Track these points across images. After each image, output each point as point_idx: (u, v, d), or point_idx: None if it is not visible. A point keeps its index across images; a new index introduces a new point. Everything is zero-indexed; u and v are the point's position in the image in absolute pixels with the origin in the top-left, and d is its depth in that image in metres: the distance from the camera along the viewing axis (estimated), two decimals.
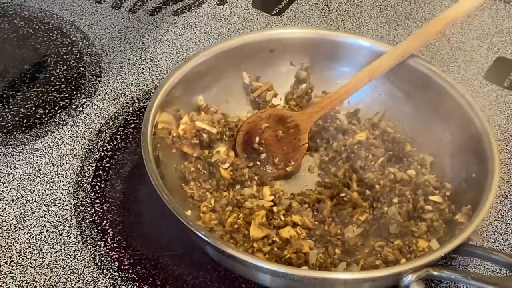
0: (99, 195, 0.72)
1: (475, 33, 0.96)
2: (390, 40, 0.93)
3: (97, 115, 0.81)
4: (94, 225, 0.69)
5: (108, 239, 0.68)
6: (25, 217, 0.70)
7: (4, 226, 0.69)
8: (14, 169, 0.75)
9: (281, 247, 0.64)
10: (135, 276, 0.65)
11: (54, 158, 0.76)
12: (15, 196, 0.72)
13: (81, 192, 0.73)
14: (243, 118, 0.77)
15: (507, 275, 0.59)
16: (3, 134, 0.78)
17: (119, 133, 0.79)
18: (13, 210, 0.71)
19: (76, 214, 0.71)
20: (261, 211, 0.66)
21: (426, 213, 0.68)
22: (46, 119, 0.80)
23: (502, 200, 0.74)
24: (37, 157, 0.76)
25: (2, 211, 0.70)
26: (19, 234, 0.68)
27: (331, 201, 0.70)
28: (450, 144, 0.73)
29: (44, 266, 0.66)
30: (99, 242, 0.68)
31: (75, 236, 0.69)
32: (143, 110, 0.81)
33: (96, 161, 0.76)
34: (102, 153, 0.77)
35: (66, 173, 0.74)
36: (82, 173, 0.74)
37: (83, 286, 0.64)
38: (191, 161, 0.71)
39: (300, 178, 0.76)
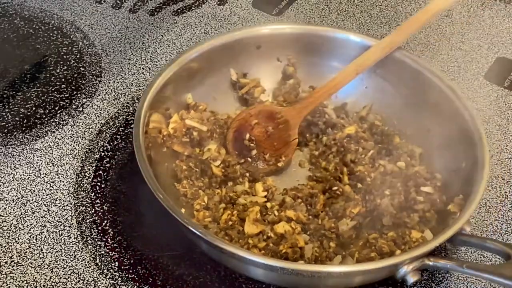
0: (100, 195, 0.72)
1: (475, 33, 0.96)
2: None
3: (98, 115, 0.81)
4: (94, 225, 0.69)
5: (109, 239, 0.68)
6: (25, 217, 0.70)
7: (5, 226, 0.69)
8: (15, 169, 0.75)
9: (276, 242, 0.64)
10: (135, 276, 0.65)
11: (54, 158, 0.76)
12: (15, 196, 0.72)
13: (82, 192, 0.73)
14: (232, 115, 0.78)
15: (503, 263, 0.59)
16: (3, 134, 0.78)
17: (119, 133, 0.79)
18: (14, 210, 0.71)
19: (77, 214, 0.71)
20: (255, 207, 0.67)
21: (418, 204, 0.68)
22: (46, 119, 0.80)
23: (502, 200, 0.74)
24: (37, 157, 0.76)
25: (3, 211, 0.70)
26: (20, 234, 0.68)
27: (323, 195, 0.70)
28: (438, 134, 0.73)
29: (44, 266, 0.66)
30: (99, 242, 0.68)
31: (76, 236, 0.69)
32: None
33: (96, 161, 0.76)
34: (103, 153, 0.77)
35: (67, 173, 0.74)
36: (83, 173, 0.74)
37: (83, 286, 0.64)
38: (182, 160, 0.72)
39: (291, 173, 0.76)
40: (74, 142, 0.78)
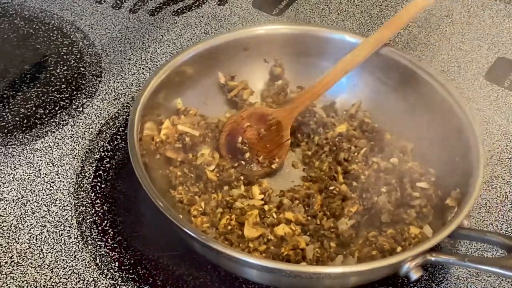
0: (100, 195, 0.72)
1: (476, 33, 0.96)
2: (390, 40, 0.93)
3: (98, 115, 0.81)
4: (94, 226, 0.69)
5: (109, 239, 0.68)
6: (25, 217, 0.70)
7: (5, 226, 0.69)
8: (15, 169, 0.75)
9: (277, 245, 0.64)
10: (135, 277, 0.65)
11: (54, 158, 0.76)
12: (15, 196, 0.72)
13: (82, 192, 0.73)
14: (222, 118, 0.78)
15: (505, 255, 0.59)
16: (4, 134, 0.78)
17: (119, 133, 0.79)
18: (14, 211, 0.71)
19: (77, 214, 0.71)
20: (254, 211, 0.67)
21: (414, 200, 0.68)
22: (46, 119, 0.80)
23: (502, 200, 0.74)
24: (37, 157, 0.76)
25: (3, 211, 0.70)
26: (20, 235, 0.68)
27: (320, 195, 0.70)
28: (429, 129, 0.74)
29: (44, 266, 0.66)
30: (99, 243, 0.68)
31: (76, 236, 0.69)
32: None
33: (96, 161, 0.76)
34: (103, 153, 0.77)
35: (67, 173, 0.74)
36: (83, 173, 0.74)
37: (83, 287, 0.64)
38: (176, 166, 0.71)
39: (285, 174, 0.76)
40: (74, 142, 0.78)
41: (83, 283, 0.65)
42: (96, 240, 0.68)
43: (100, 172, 0.75)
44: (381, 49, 0.76)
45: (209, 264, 0.66)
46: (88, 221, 0.70)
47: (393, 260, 0.58)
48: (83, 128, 0.79)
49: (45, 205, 0.71)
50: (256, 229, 0.65)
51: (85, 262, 0.66)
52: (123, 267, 0.66)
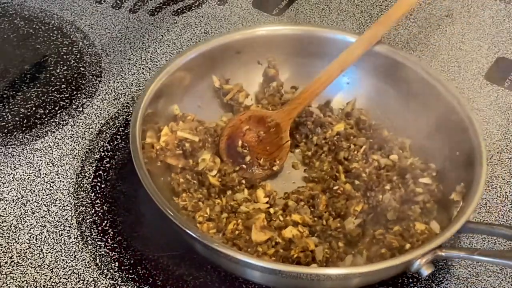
0: (100, 196, 0.72)
1: (476, 33, 0.96)
2: (390, 40, 0.93)
3: (98, 115, 0.81)
4: (94, 226, 0.69)
5: (109, 239, 0.68)
6: (25, 217, 0.70)
7: (5, 226, 0.69)
8: (15, 169, 0.75)
9: (286, 247, 0.64)
10: (135, 277, 0.65)
11: (54, 158, 0.76)
12: (15, 196, 0.72)
13: (82, 193, 0.73)
14: (219, 122, 0.77)
15: None
16: (3, 134, 0.78)
17: (119, 133, 0.79)
18: (14, 211, 0.71)
19: (77, 214, 0.71)
20: (261, 214, 0.66)
21: (418, 196, 0.68)
22: (46, 119, 0.80)
23: (502, 201, 0.74)
24: (37, 157, 0.76)
25: (3, 211, 0.70)
26: (20, 235, 0.68)
27: (324, 195, 0.70)
28: (426, 124, 0.74)
29: (44, 266, 0.66)
30: (99, 243, 0.68)
31: (76, 236, 0.69)
32: None
33: (96, 161, 0.76)
34: (103, 153, 0.77)
35: (67, 173, 0.74)
36: (83, 173, 0.74)
37: (83, 287, 0.64)
38: (177, 172, 0.71)
39: (286, 175, 0.76)
40: (74, 142, 0.78)
41: (83, 283, 0.65)
42: (96, 240, 0.68)
43: (100, 172, 0.75)
44: (375, 46, 0.76)
45: (209, 264, 0.66)
46: (88, 221, 0.70)
47: (407, 257, 0.58)
48: (83, 128, 0.79)
49: (45, 205, 0.71)
50: (264, 233, 0.64)
51: (85, 262, 0.66)
52: (123, 267, 0.66)
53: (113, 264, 0.66)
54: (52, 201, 0.72)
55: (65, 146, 0.77)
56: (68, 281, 0.65)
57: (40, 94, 0.83)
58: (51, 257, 0.67)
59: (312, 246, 0.64)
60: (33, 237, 0.68)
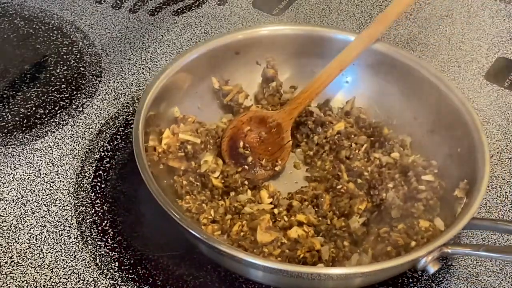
0: (100, 195, 0.72)
1: (476, 33, 0.96)
2: (391, 40, 0.93)
3: (98, 115, 0.81)
4: (94, 225, 0.69)
5: (109, 239, 0.68)
6: (25, 217, 0.70)
7: (4, 226, 0.69)
8: (14, 169, 0.75)
9: (291, 248, 0.64)
10: (135, 277, 0.65)
11: (54, 158, 0.76)
12: (15, 196, 0.72)
13: (82, 192, 0.73)
14: (219, 123, 0.77)
15: None
16: (3, 134, 0.78)
17: (119, 133, 0.79)
18: (13, 210, 0.71)
19: (77, 214, 0.71)
20: (266, 215, 0.66)
21: (421, 193, 0.68)
22: (46, 119, 0.80)
23: (502, 200, 0.74)
24: (37, 157, 0.76)
25: (3, 211, 0.70)
26: (19, 234, 0.68)
27: (328, 194, 0.70)
28: (426, 121, 0.74)
29: (44, 266, 0.66)
30: (99, 243, 0.68)
31: (76, 236, 0.69)
32: None
33: (96, 161, 0.76)
34: (103, 153, 0.77)
35: (67, 173, 0.74)
36: (83, 173, 0.74)
37: (83, 286, 0.64)
38: (180, 175, 0.70)
39: (288, 176, 0.76)
40: (74, 142, 0.78)
41: (83, 283, 0.65)
42: (96, 240, 0.68)
43: (100, 172, 0.75)
44: (373, 45, 0.77)
45: (209, 264, 0.66)
46: (88, 221, 0.70)
47: (414, 255, 0.59)
48: (83, 128, 0.79)
49: (45, 205, 0.71)
50: (269, 234, 0.64)
51: (85, 262, 0.66)
52: (123, 267, 0.66)
53: (113, 264, 0.66)
54: (52, 201, 0.72)
55: (65, 146, 0.77)
56: (68, 281, 0.65)
57: (40, 94, 0.83)
58: (51, 257, 0.67)
59: (318, 246, 0.64)
60: (33, 237, 0.68)
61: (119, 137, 0.78)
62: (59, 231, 0.69)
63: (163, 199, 0.61)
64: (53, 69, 0.87)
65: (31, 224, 0.69)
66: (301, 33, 0.80)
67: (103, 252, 0.67)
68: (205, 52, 0.76)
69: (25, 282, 0.65)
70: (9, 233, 0.68)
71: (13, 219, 0.70)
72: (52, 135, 0.78)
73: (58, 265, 0.66)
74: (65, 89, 0.84)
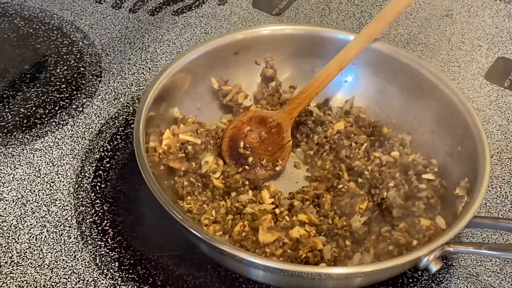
0: (100, 195, 0.72)
1: (476, 33, 0.96)
2: (390, 39, 0.93)
3: (98, 115, 0.81)
4: (94, 225, 0.69)
5: (109, 239, 0.68)
6: (25, 217, 0.70)
7: (4, 226, 0.69)
8: (14, 169, 0.75)
9: (293, 247, 0.64)
10: (135, 277, 0.65)
11: (54, 158, 0.76)
12: (15, 196, 0.72)
13: (82, 192, 0.73)
14: (219, 124, 0.77)
15: None
16: (3, 134, 0.78)
17: (119, 133, 0.79)
18: (13, 210, 0.71)
19: (77, 214, 0.71)
20: (267, 215, 0.66)
21: (421, 192, 0.68)
22: (46, 119, 0.80)
23: (502, 200, 0.74)
24: (37, 157, 0.76)
25: (2, 211, 0.70)
26: (19, 234, 0.68)
27: (329, 194, 0.70)
28: (426, 120, 0.74)
29: (44, 266, 0.66)
30: (99, 243, 0.68)
31: (76, 236, 0.69)
32: None
33: (96, 161, 0.76)
34: (103, 153, 0.77)
35: (67, 173, 0.74)
36: (83, 173, 0.74)
37: (83, 286, 0.64)
38: (180, 176, 0.70)
39: (289, 175, 0.76)
40: (74, 142, 0.78)
41: (83, 283, 0.65)
42: (96, 240, 0.68)
43: (100, 172, 0.75)
44: (372, 44, 0.77)
45: (209, 264, 0.66)
46: (88, 221, 0.70)
47: (416, 254, 0.58)
48: (83, 128, 0.79)
49: (45, 205, 0.71)
50: (271, 234, 0.64)
51: (85, 262, 0.66)
52: (123, 267, 0.66)
53: (113, 264, 0.66)
54: (52, 201, 0.72)
55: (65, 146, 0.77)
56: (68, 281, 0.65)
57: (40, 94, 0.83)
58: (51, 257, 0.67)
59: (320, 246, 0.64)
60: (33, 237, 0.68)
61: (119, 137, 0.78)
62: (59, 231, 0.69)
63: (164, 199, 0.60)
64: (53, 69, 0.87)
65: (31, 224, 0.69)
66: (301, 33, 0.80)
67: (103, 252, 0.67)
68: (205, 52, 0.76)
69: (25, 282, 0.65)
70: (9, 233, 0.69)
71: (13, 219, 0.70)
72: (52, 135, 0.78)
73: (58, 265, 0.66)
74: (65, 89, 0.84)
